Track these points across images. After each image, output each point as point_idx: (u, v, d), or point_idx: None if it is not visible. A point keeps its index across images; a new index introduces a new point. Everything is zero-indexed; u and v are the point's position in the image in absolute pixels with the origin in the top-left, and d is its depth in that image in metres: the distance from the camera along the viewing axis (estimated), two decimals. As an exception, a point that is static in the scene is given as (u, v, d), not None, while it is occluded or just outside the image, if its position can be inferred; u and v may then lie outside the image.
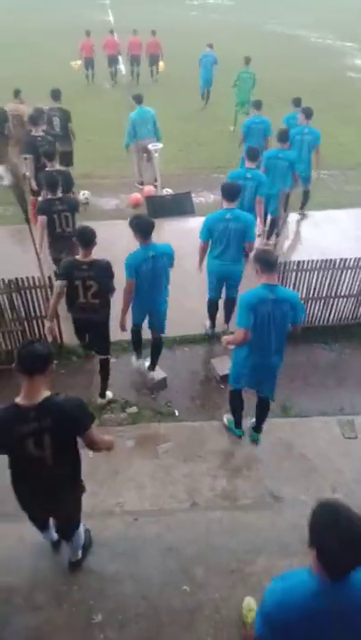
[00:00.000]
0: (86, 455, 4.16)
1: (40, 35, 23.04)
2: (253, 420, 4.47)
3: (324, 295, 5.67)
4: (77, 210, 5.72)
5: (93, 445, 2.67)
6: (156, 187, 8.84)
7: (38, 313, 5.15)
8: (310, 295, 5.65)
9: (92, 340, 4.69)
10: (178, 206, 8.46)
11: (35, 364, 2.38)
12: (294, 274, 5.47)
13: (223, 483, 4.05)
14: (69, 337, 5.44)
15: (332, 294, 5.68)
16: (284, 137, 6.99)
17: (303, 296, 5.62)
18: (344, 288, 5.67)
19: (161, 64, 15.62)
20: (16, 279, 4.91)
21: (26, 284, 4.97)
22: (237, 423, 4.51)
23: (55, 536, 3.27)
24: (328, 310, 5.81)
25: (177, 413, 4.81)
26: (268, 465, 4.24)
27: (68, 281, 4.12)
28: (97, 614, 3.06)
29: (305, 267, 5.47)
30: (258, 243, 6.76)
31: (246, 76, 11.54)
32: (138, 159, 9.02)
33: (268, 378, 4.10)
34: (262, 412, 4.38)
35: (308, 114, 7.71)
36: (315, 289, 5.61)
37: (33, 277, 4.94)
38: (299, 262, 5.45)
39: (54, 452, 2.47)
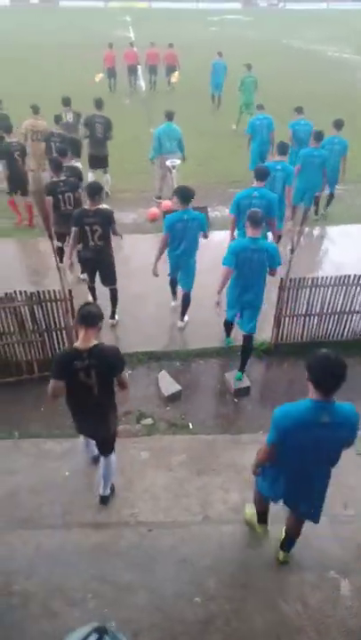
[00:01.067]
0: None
1: (67, 49, 23.68)
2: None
3: (338, 310, 5.72)
4: (78, 189, 6.62)
5: (121, 385, 3.49)
6: (174, 202, 8.97)
7: (58, 325, 5.29)
8: (325, 310, 5.70)
9: (102, 274, 5.81)
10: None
11: (90, 320, 3.27)
12: (309, 290, 5.54)
13: (236, 497, 4.10)
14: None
15: (347, 310, 5.73)
16: (319, 137, 8.00)
17: (318, 311, 5.68)
18: (359, 304, 5.71)
19: (176, 74, 16.78)
20: (37, 292, 5.06)
21: (47, 296, 5.12)
22: (228, 334, 5.75)
23: (96, 451, 4.04)
24: (343, 326, 5.85)
25: (191, 426, 4.88)
26: (280, 479, 4.27)
27: (79, 227, 5.30)
28: (111, 623, 3.12)
29: (320, 282, 5.53)
30: (287, 227, 6.92)
31: (250, 80, 13.10)
32: (160, 173, 9.19)
33: (250, 311, 5.03)
34: (245, 352, 5.26)
35: (338, 125, 8.39)
36: (329, 304, 5.66)
37: (54, 290, 5.09)
38: (313, 279, 5.51)
39: (98, 383, 3.34)
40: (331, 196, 8.93)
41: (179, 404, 5.13)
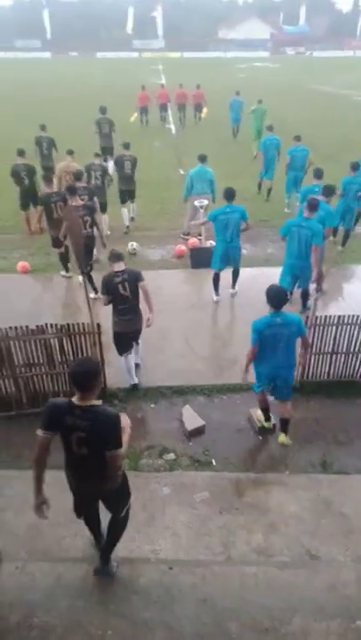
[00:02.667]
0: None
1: (106, 96, 25.06)
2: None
3: (365, 350, 5.67)
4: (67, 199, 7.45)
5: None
6: (200, 240, 9.23)
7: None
8: (352, 349, 5.65)
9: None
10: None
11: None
12: (335, 328, 5.53)
13: (259, 537, 4.02)
14: (113, 380, 5.69)
15: (374, 349, 5.67)
16: (356, 166, 8.86)
17: (344, 350, 5.64)
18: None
19: (205, 110, 19.57)
20: (67, 324, 5.24)
21: (76, 329, 5.29)
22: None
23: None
24: (370, 365, 5.78)
25: (214, 463, 4.84)
26: (305, 522, 4.17)
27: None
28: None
29: (346, 321, 5.52)
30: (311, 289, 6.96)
31: (260, 110, 15.44)
32: (191, 213, 9.50)
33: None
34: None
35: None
36: (356, 343, 5.63)
37: (82, 323, 5.25)
38: (340, 317, 5.51)
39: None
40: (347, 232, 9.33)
41: (202, 440, 5.11)
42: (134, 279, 5.25)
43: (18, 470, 4.64)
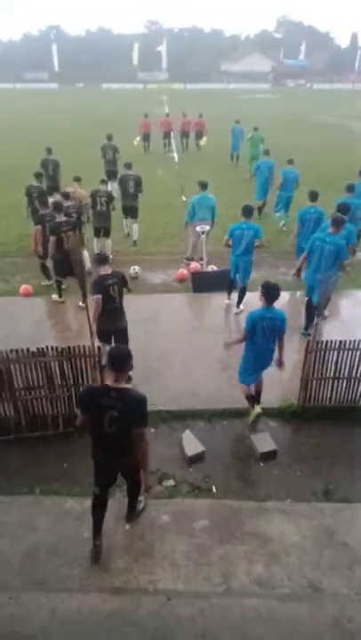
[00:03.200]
0: (122, 528, 4.21)
1: (111, 124, 25.72)
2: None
3: (367, 375, 5.63)
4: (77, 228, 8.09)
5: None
6: (202, 264, 9.30)
7: (85, 380, 5.40)
8: (354, 374, 5.62)
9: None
10: (221, 282, 8.80)
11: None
12: (336, 353, 5.51)
13: (260, 568, 3.90)
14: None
15: (376, 374, 5.63)
16: (351, 188, 8.93)
17: (346, 375, 5.61)
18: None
19: (205, 138, 20.42)
20: (68, 347, 5.23)
21: (76, 351, 5.28)
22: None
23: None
24: (372, 390, 5.73)
25: (214, 490, 4.75)
26: (308, 552, 4.06)
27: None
28: None
29: (347, 346, 5.50)
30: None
31: (257, 137, 16.48)
32: (193, 237, 9.62)
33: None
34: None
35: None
36: (358, 368, 5.59)
37: (83, 346, 5.24)
38: (341, 342, 5.49)
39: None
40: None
41: (202, 466, 5.03)
42: (122, 282, 5.95)
43: (15, 496, 4.56)
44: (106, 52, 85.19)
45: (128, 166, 10.57)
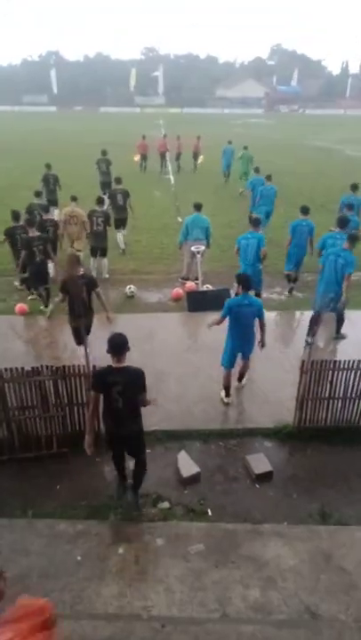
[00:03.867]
0: (115, 552, 4.13)
1: (108, 146, 26.13)
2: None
3: (362, 395, 5.63)
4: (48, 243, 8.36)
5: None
6: (197, 284, 9.36)
7: (80, 400, 5.35)
8: (349, 394, 5.61)
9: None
10: (217, 301, 8.83)
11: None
12: (331, 372, 5.51)
13: (256, 593, 3.83)
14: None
15: (372, 395, 5.62)
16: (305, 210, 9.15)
17: (341, 395, 5.60)
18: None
19: (201, 158, 21.25)
20: (63, 367, 5.20)
21: (71, 371, 5.25)
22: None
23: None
24: (368, 411, 5.72)
25: (210, 513, 4.68)
26: (304, 577, 3.99)
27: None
28: None
29: (342, 366, 5.51)
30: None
31: (246, 155, 18.00)
32: (188, 257, 9.72)
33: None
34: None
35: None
36: (353, 388, 5.59)
37: (79, 366, 5.22)
38: (335, 362, 5.51)
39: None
40: None
41: (197, 488, 4.97)
42: (91, 285, 6.39)
43: (7, 519, 4.48)
44: (104, 76, 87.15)
45: (118, 181, 11.37)
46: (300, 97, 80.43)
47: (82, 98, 75.38)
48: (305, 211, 9.08)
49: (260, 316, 5.87)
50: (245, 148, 18.32)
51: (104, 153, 15.72)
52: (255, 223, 8.27)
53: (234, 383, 6.35)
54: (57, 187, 13.48)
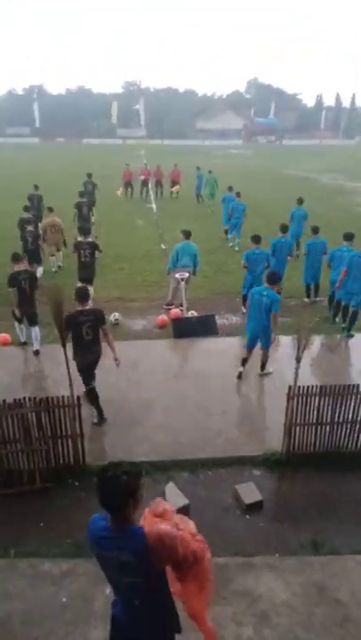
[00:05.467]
0: (102, 592, 3.96)
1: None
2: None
3: (349, 420, 5.61)
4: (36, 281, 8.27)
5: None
6: (182, 310, 9.38)
7: (65, 432, 5.23)
8: (336, 420, 5.59)
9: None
10: (202, 327, 8.87)
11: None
12: (317, 398, 5.50)
13: (250, 631, 3.68)
14: (93, 456, 5.45)
15: (358, 419, 5.62)
16: (349, 237, 9.32)
17: (328, 420, 5.58)
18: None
19: (177, 187, 22.82)
20: (46, 398, 5.09)
21: (55, 402, 5.14)
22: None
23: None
24: (356, 436, 5.69)
25: (200, 545, 4.54)
26: (298, 611, 3.86)
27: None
28: None
29: (328, 391, 5.51)
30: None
31: (210, 179, 20.26)
32: (174, 283, 9.77)
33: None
34: None
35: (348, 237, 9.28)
36: (339, 413, 5.58)
37: (63, 396, 5.12)
38: (322, 387, 5.51)
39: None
40: (354, 314, 8.86)
41: (186, 520, 4.83)
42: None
43: (-13, 560, 4.27)
44: (86, 109, 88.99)
45: (81, 194, 13.82)
46: (277, 128, 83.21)
47: (64, 130, 76.61)
48: (284, 229, 10.19)
49: (274, 309, 6.76)
50: (210, 172, 20.61)
51: (90, 175, 18.32)
52: (257, 240, 9.17)
53: (254, 370, 7.34)
54: (40, 205, 14.98)
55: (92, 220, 13.64)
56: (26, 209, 12.68)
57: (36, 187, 15.81)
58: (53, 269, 12.17)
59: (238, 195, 15.23)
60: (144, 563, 2.35)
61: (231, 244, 14.96)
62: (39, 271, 10.39)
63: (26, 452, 5.13)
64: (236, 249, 14.23)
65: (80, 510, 4.99)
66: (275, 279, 7.06)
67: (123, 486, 2.28)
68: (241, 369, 7.22)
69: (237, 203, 14.75)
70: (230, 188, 16.50)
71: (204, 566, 2.62)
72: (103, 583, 4.00)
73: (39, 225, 12.17)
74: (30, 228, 11.07)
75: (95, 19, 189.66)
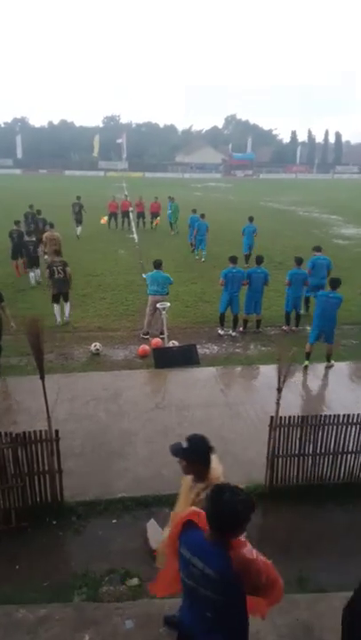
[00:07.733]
0: (81, 639, 3.75)
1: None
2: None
3: (331, 451, 5.58)
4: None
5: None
6: (162, 339, 9.35)
7: (42, 468, 5.04)
8: (318, 451, 5.55)
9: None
10: (183, 357, 8.83)
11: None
12: (299, 429, 5.47)
13: None
14: (71, 492, 5.26)
15: (340, 450, 5.59)
16: (299, 261, 10.63)
17: (311, 451, 5.53)
18: (352, 443, 5.58)
19: (158, 219, 23.69)
20: (23, 433, 4.92)
21: (32, 437, 4.97)
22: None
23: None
24: (338, 467, 5.65)
25: (183, 586, 4.37)
26: (286, 654, 3.71)
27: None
28: None
29: (310, 422, 5.49)
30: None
31: (174, 206, 22.31)
32: (149, 312, 9.79)
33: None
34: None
35: (334, 284, 8.61)
36: (322, 444, 5.54)
37: (41, 431, 4.96)
38: (303, 417, 5.48)
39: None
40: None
41: (168, 559, 4.66)
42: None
43: None
44: (68, 142, 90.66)
45: (52, 225, 15.42)
46: (255, 163, 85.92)
47: (46, 162, 77.55)
48: (299, 262, 10.57)
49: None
50: (172, 199, 22.63)
51: (78, 198, 21.11)
52: (233, 260, 10.15)
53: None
54: (34, 220, 17.14)
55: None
56: (16, 223, 15.08)
57: (31, 206, 18.41)
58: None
59: (203, 216, 17.76)
60: (227, 585, 2.39)
61: (197, 257, 17.43)
62: (37, 274, 13.83)
63: (1, 490, 4.92)
64: (203, 260, 16.95)
65: (58, 550, 4.79)
66: (336, 285, 8.46)
67: (236, 514, 2.31)
68: (306, 362, 8.59)
69: (202, 223, 17.30)
70: (194, 211, 19.44)
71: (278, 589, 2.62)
72: (82, 629, 3.81)
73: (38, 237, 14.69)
74: (31, 238, 13.96)
75: (79, 50, 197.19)
